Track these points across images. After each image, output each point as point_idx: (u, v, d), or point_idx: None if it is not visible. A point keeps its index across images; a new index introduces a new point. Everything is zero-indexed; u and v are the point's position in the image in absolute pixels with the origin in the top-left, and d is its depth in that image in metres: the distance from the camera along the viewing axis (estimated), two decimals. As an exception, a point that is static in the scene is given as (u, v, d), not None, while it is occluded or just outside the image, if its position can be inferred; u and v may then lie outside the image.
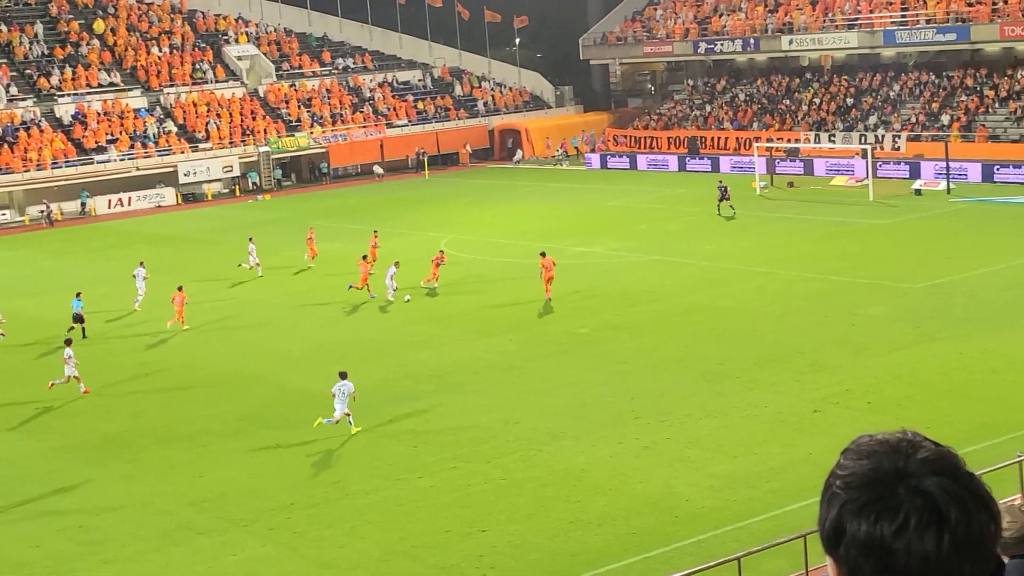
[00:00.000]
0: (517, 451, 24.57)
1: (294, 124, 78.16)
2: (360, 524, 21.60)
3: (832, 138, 61.55)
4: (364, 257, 40.90)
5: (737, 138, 69.83)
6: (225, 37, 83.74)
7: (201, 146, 74.26)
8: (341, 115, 79.72)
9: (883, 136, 60.42)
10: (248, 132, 75.85)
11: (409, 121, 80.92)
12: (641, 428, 25.31)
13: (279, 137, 75.92)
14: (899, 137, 59.95)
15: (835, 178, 59.98)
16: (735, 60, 77.50)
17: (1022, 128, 60.01)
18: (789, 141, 64.99)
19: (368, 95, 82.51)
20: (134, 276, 41.32)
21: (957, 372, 27.33)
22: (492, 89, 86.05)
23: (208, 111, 76.63)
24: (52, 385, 31.13)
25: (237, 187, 73.30)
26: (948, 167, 54.62)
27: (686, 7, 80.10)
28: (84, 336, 37.00)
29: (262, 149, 74.65)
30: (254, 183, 74.20)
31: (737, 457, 23.30)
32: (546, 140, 79.36)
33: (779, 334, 31.77)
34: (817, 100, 70.25)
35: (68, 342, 32.19)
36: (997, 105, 62.54)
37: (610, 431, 25.29)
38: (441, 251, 41.65)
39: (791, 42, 71.41)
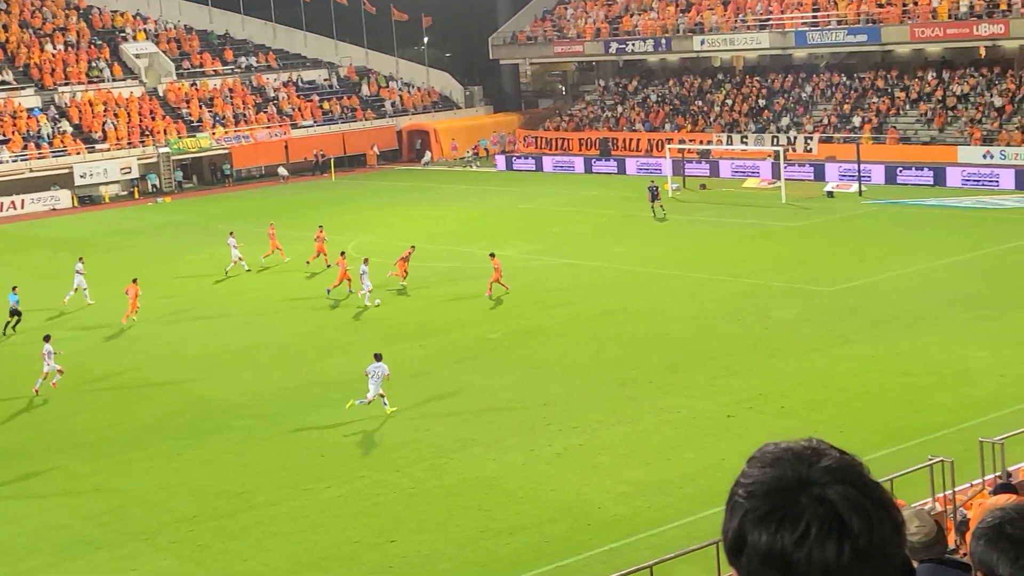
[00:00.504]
0: (427, 459, 24.36)
1: (195, 124, 76.75)
2: (266, 536, 21.22)
3: (744, 140, 61.86)
4: (342, 254, 40.32)
5: (649, 140, 69.79)
6: (123, 34, 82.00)
7: (98, 147, 72.53)
8: (244, 115, 78.48)
9: (795, 138, 60.90)
10: (147, 132, 74.31)
11: (315, 122, 79.95)
12: (553, 434, 25.17)
13: (180, 138, 74.43)
14: (811, 139, 60.48)
15: (747, 180, 60.28)
16: (647, 60, 77.58)
17: (932, 130, 60.98)
18: (701, 143, 65.26)
19: (272, 95, 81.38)
20: (76, 271, 41.49)
21: (870, 375, 27.50)
22: (400, 89, 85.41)
23: (105, 111, 74.87)
24: (54, 383, 30.88)
25: (136, 189, 71.73)
26: (859, 169, 55.26)
27: (597, 6, 79.95)
28: (6, 332, 36.96)
29: (162, 150, 73.17)
30: (154, 185, 72.67)
31: (650, 463, 23.25)
32: (452, 142, 78.78)
33: (692, 338, 31.80)
34: (729, 101, 70.42)
35: (47, 338, 31.72)
36: (908, 107, 63.44)
37: (521, 438, 25.13)
38: (412, 246, 41.17)
39: (703, 42, 71.56)
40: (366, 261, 38.72)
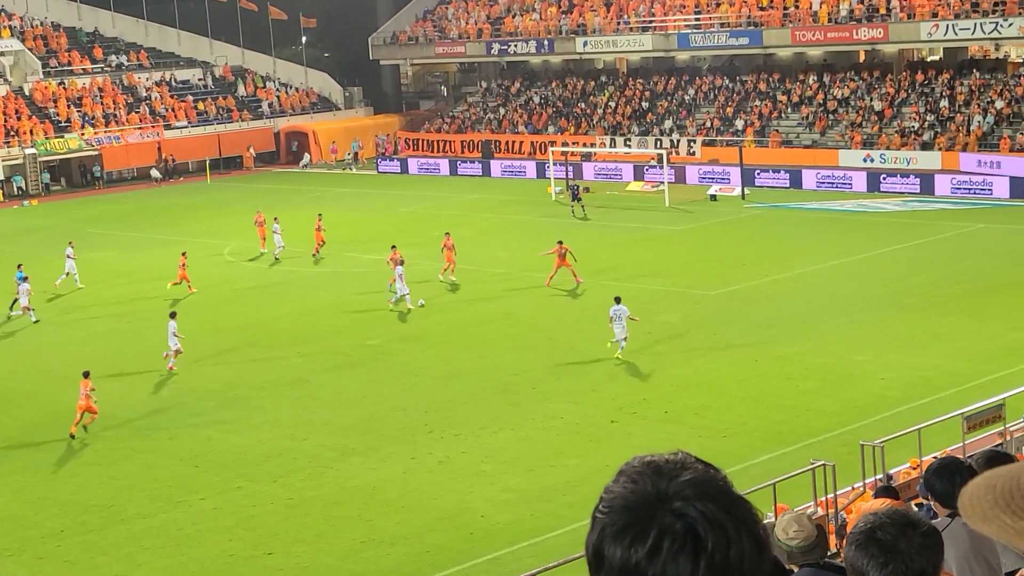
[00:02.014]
0: (305, 469, 23.84)
1: (63, 125, 74.49)
2: (137, 550, 20.59)
3: (628, 143, 61.84)
4: (393, 247, 39.16)
5: (532, 142, 69.58)
6: (-13, 31, 79.45)
7: (-39, 147, 70.09)
8: (115, 116, 76.42)
9: (678, 140, 61.21)
10: (12, 133, 71.92)
11: (189, 123, 78.23)
12: (434, 442, 24.82)
13: (47, 139, 72.15)
14: (694, 142, 60.82)
15: (631, 183, 60.43)
16: (529, 62, 77.49)
17: (814, 133, 61.93)
18: (584, 145, 65.25)
19: (144, 94, 79.43)
20: (67, 256, 41.89)
21: (753, 380, 27.59)
22: (277, 90, 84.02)
23: (-32, 110, 72.39)
24: (172, 366, 30.79)
25: (1, 192, 69.37)
26: (743, 173, 55.74)
27: (478, 7, 79.54)
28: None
29: (28, 151, 70.87)
30: (20, 188, 70.37)
31: (533, 470, 23.04)
32: (331, 144, 77.71)
33: (575, 343, 31.57)
34: (612, 104, 70.59)
35: (173, 315, 31.33)
36: (790, 110, 64.35)
37: (402, 446, 24.74)
38: (447, 233, 40.45)
39: (585, 44, 71.68)
40: (403, 262, 37.06)
